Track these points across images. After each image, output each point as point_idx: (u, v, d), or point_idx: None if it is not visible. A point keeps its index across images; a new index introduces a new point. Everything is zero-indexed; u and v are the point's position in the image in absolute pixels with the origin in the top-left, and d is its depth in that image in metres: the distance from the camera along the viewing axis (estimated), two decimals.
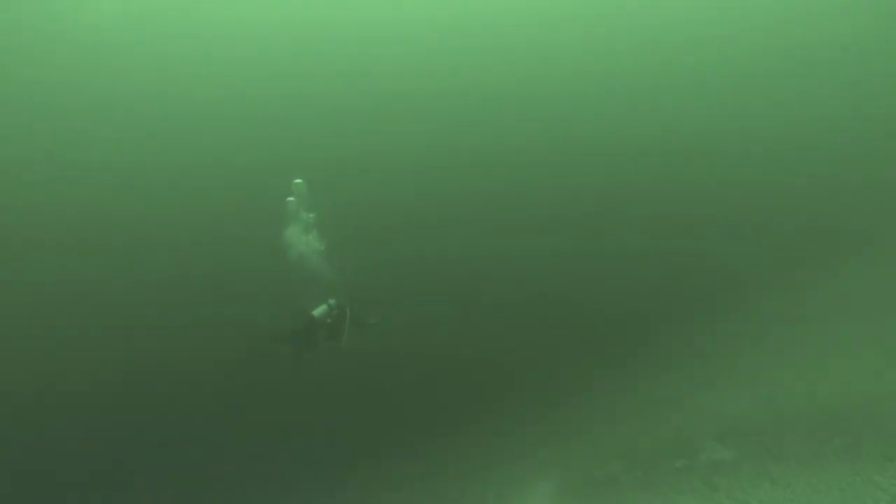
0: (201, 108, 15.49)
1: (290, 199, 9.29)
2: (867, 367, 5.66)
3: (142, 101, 15.29)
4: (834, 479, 4.06)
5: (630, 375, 7.69)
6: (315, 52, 16.87)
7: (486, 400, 8.31)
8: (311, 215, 9.29)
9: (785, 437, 4.75)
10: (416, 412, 8.48)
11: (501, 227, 13.08)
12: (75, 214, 13.54)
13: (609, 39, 17.23)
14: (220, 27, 16.32)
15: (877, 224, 10.16)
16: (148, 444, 8.46)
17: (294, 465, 8.05)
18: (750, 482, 4.35)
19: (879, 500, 3.71)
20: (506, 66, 16.84)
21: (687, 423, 5.77)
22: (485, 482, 6.31)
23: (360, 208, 12.54)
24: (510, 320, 10.51)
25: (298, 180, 9.41)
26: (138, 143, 14.73)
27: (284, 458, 8.24)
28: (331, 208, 9.27)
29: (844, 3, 16.32)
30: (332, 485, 7.47)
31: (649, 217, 12.67)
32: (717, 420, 5.56)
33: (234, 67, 16.28)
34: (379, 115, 15.96)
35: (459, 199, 14.05)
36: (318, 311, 7.57)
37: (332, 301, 7.67)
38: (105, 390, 9.56)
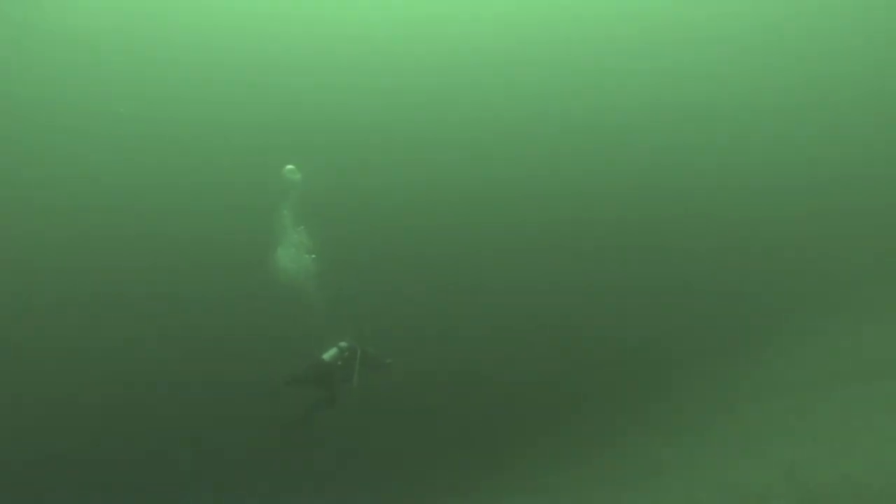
0: None
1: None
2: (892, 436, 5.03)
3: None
4: None
5: (631, 437, 7.00)
6: None
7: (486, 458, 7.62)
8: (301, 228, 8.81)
9: None
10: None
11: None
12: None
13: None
14: None
15: None
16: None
17: None
18: None
19: None
20: None
21: (691, 496, 5.08)
22: None
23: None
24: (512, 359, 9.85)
25: (290, 166, 8.89)
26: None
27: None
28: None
29: None
30: None
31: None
32: (727, 495, 4.88)
33: None
34: None
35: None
36: (328, 354, 7.50)
37: (342, 343, 7.60)
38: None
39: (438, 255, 13.07)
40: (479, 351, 10.25)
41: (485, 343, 10.48)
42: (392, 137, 15.76)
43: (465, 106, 16.54)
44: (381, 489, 7.62)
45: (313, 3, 16.96)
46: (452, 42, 17.20)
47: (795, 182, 13.68)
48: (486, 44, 16.99)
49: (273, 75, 16.13)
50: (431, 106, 16.60)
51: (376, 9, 17.12)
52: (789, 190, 13.50)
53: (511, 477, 7.12)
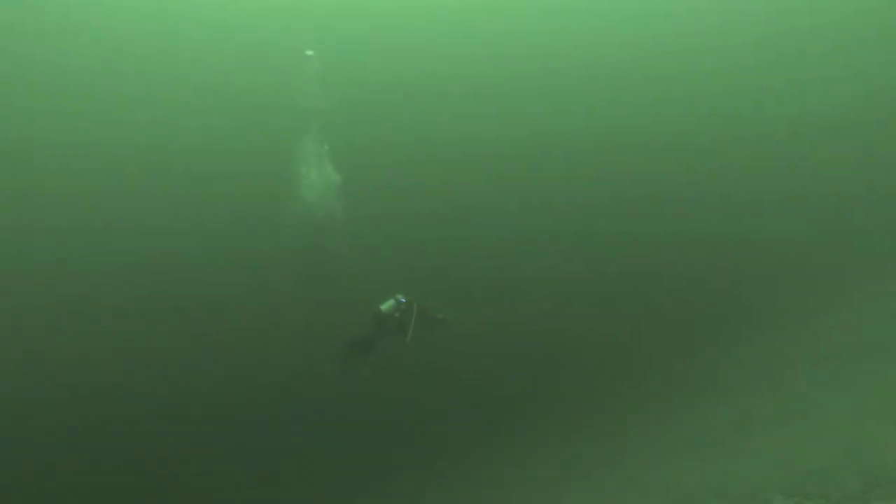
0: None
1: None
2: None
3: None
4: None
5: (674, 403, 6.82)
6: None
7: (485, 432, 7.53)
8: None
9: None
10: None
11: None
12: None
13: None
14: None
15: None
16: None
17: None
18: None
19: None
20: None
21: (746, 469, 4.92)
22: None
23: None
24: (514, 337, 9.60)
25: (310, 52, 9.02)
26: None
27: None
28: None
29: None
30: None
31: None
32: (785, 471, 4.70)
33: None
34: None
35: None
36: (386, 305, 7.72)
37: (399, 296, 7.80)
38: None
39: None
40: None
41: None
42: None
43: None
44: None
45: None
46: None
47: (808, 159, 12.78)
48: None
49: None
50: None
51: None
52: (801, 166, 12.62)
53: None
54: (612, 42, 16.11)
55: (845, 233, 9.97)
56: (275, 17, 14.78)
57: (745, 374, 6.72)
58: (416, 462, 7.05)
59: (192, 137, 13.90)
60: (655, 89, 15.72)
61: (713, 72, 15.71)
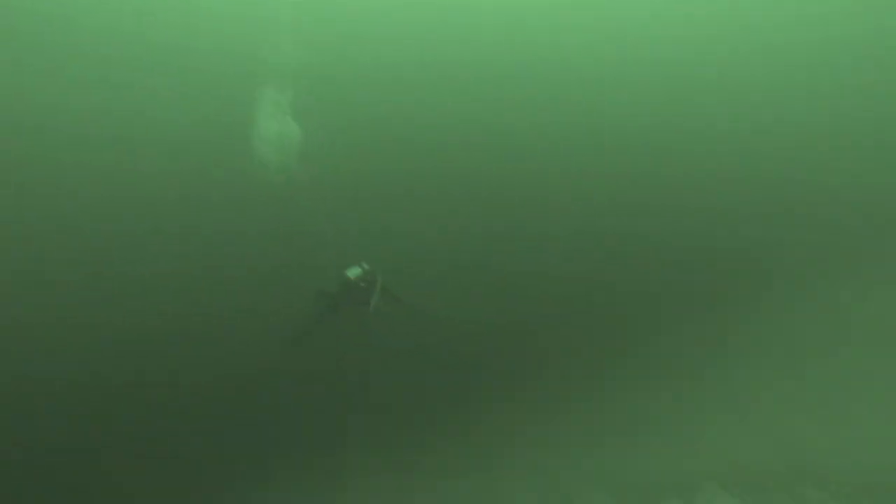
0: None
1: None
2: (889, 410, 4.97)
3: None
4: None
5: (615, 391, 6.91)
6: None
7: (454, 409, 7.46)
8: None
9: (804, 494, 4.03)
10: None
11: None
12: None
13: None
14: None
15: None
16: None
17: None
18: None
19: None
20: None
21: (682, 457, 5.02)
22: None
23: None
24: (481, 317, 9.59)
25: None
26: None
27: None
28: None
29: None
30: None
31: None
32: (718, 460, 4.82)
33: None
34: None
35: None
36: (353, 272, 7.73)
37: (364, 264, 7.84)
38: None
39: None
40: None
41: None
42: None
43: None
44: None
45: None
46: None
47: (800, 141, 13.29)
48: None
49: None
50: None
51: None
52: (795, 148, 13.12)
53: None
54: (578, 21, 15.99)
55: (789, 233, 10.35)
56: None
57: (685, 364, 6.86)
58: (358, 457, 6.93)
59: (149, 97, 13.17)
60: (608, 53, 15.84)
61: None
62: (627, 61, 16.04)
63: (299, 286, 8.92)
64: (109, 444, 7.10)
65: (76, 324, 9.36)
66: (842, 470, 4.23)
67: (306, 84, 11.61)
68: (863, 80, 14.77)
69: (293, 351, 8.19)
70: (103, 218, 11.95)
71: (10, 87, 12.52)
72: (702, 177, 12.89)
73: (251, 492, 6.46)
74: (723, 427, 5.37)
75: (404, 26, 15.58)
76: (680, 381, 6.58)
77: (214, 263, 11.04)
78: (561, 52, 16.25)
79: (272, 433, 7.49)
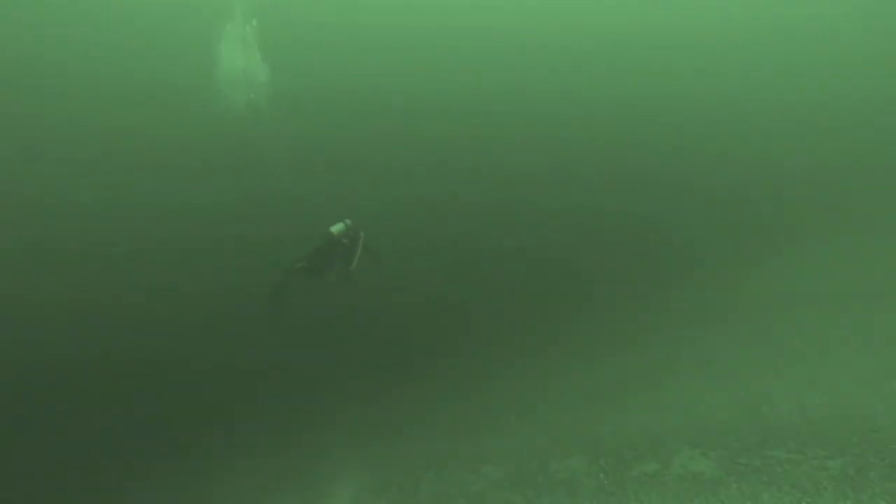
0: None
1: None
2: (857, 372, 5.14)
3: None
4: None
5: (590, 353, 7.00)
6: None
7: (420, 366, 7.47)
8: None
9: (774, 456, 4.15)
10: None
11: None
12: None
13: None
14: None
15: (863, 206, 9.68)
16: None
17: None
18: None
19: None
20: None
21: (657, 420, 5.12)
22: (421, 462, 5.55)
23: None
24: (450, 276, 9.64)
25: None
26: None
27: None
28: None
29: None
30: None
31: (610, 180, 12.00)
32: (692, 423, 4.94)
33: None
34: None
35: None
36: (336, 228, 7.73)
37: (348, 220, 7.86)
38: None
39: None
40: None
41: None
42: None
43: None
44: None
45: None
46: None
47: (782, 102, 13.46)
48: None
49: None
50: None
51: None
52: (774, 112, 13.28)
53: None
54: None
55: (755, 197, 10.54)
56: None
57: (658, 327, 6.99)
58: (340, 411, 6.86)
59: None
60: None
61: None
62: (609, 28, 15.81)
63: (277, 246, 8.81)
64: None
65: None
66: (813, 432, 4.36)
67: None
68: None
69: (277, 306, 8.23)
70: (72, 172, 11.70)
71: None
72: (665, 146, 12.98)
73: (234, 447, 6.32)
74: (696, 390, 5.50)
75: None
76: (653, 345, 6.70)
77: (182, 227, 10.82)
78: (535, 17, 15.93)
79: (255, 389, 7.40)
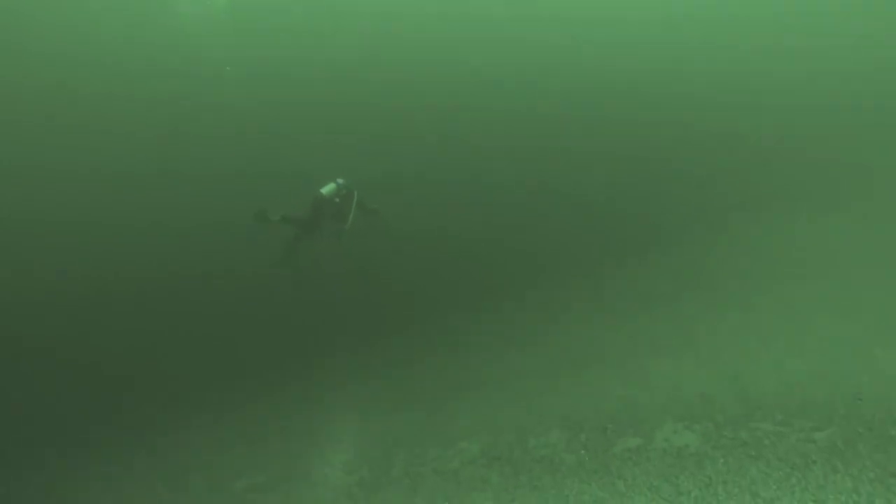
0: None
1: None
2: (838, 339, 5.04)
3: None
4: (830, 491, 3.33)
5: (568, 326, 6.78)
6: None
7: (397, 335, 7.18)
8: None
9: (761, 428, 4.01)
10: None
11: None
12: None
13: None
14: None
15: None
16: None
17: None
18: (723, 485, 3.57)
19: None
20: None
21: (638, 393, 4.94)
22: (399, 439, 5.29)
23: None
24: (427, 245, 9.39)
25: None
26: None
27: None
28: None
29: None
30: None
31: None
32: (674, 395, 4.77)
33: None
34: None
35: None
36: (327, 188, 7.71)
37: (340, 180, 7.82)
38: None
39: None
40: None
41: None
42: None
43: None
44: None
45: None
46: None
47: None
48: None
49: None
50: None
51: None
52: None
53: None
54: None
55: (738, 167, 10.43)
56: None
57: (640, 298, 6.81)
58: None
59: None
60: None
61: None
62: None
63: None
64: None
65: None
66: (797, 402, 4.23)
67: None
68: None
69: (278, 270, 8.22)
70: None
71: None
72: (641, 120, 12.79)
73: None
74: (677, 362, 5.34)
75: None
76: (631, 318, 6.52)
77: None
78: None
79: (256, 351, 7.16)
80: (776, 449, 3.75)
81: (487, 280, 8.10)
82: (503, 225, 9.68)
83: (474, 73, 13.69)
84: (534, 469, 4.26)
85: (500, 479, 4.26)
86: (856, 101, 12.18)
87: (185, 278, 8.64)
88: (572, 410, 4.91)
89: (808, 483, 3.40)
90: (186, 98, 12.51)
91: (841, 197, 8.60)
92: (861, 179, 9.32)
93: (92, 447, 5.58)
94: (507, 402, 5.49)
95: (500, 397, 5.55)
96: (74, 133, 12.22)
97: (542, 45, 14.71)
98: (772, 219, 8.54)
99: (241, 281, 8.31)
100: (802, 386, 4.45)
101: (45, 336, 7.51)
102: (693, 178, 10.62)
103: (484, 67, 13.80)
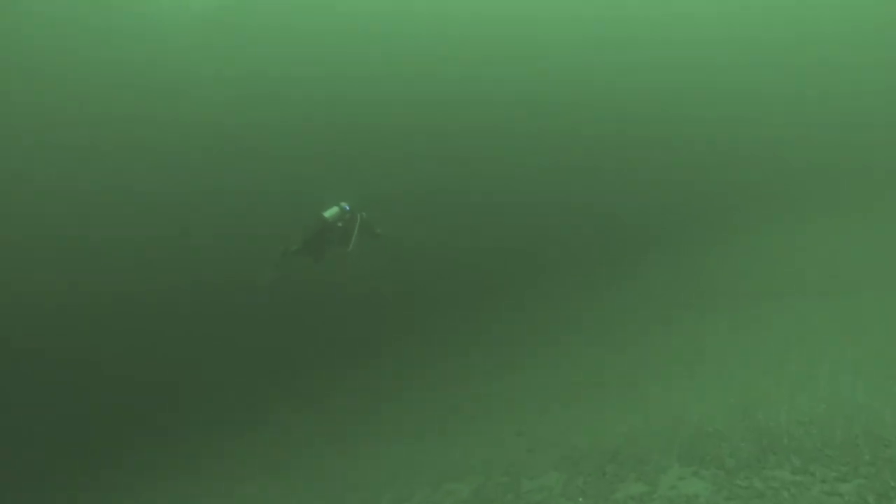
0: None
1: None
2: (855, 365, 4.69)
3: None
4: None
5: (567, 352, 6.44)
6: None
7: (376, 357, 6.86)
8: None
9: (777, 477, 3.64)
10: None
11: None
12: None
13: None
14: None
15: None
16: None
17: None
18: None
19: None
20: None
21: (641, 429, 4.58)
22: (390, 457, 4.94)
23: None
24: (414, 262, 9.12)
25: None
26: None
27: None
28: None
29: None
30: None
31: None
32: (680, 432, 4.41)
33: None
34: None
35: None
36: (330, 212, 7.65)
37: (344, 204, 7.72)
38: None
39: None
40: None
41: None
42: None
43: None
44: None
45: None
46: None
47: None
48: None
49: None
50: None
51: None
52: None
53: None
54: None
55: (736, 183, 10.11)
56: None
57: (639, 319, 6.45)
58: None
59: None
60: None
61: None
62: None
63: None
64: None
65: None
66: (816, 445, 3.87)
67: None
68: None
69: (266, 294, 8.34)
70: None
71: None
72: (649, 136, 12.46)
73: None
74: (682, 392, 4.98)
75: None
76: (632, 343, 6.17)
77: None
78: None
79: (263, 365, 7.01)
80: (797, 503, 3.39)
81: (481, 303, 7.77)
82: (498, 248, 9.38)
83: (475, 90, 13.42)
84: None
85: None
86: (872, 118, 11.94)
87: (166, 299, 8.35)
88: (570, 448, 4.54)
89: None
90: (179, 114, 12.31)
91: (853, 214, 8.27)
92: (869, 195, 9.04)
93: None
94: (499, 437, 5.14)
95: (492, 431, 5.19)
96: (67, 147, 11.99)
97: (545, 63, 14.45)
98: (780, 237, 8.21)
99: (224, 307, 8.04)
100: (819, 425, 4.09)
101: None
102: (701, 196, 10.30)
103: (485, 84, 13.54)
